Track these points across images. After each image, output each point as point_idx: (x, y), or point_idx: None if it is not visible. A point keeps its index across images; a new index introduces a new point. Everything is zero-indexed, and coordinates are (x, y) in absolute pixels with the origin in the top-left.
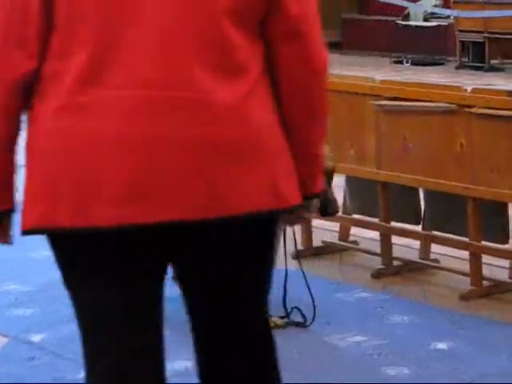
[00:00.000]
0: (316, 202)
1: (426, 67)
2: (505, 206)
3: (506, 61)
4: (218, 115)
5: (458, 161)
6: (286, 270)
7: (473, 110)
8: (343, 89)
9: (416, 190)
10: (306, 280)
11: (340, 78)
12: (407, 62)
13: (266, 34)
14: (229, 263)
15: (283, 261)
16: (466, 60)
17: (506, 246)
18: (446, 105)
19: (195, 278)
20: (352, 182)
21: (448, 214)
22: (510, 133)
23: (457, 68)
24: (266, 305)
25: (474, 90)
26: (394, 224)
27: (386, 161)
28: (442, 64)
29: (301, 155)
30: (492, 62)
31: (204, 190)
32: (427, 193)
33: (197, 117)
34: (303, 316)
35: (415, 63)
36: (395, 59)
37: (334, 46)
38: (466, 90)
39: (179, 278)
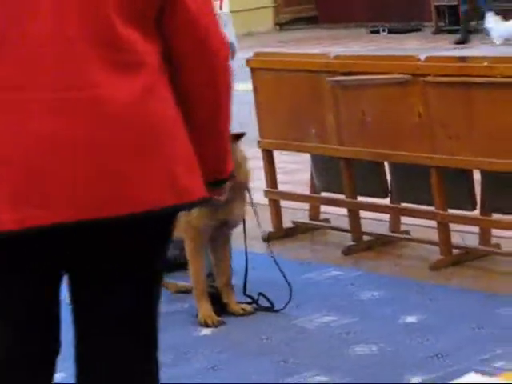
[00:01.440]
0: (227, 185)
1: (403, 35)
2: (470, 172)
3: (482, 22)
4: (114, 114)
5: (418, 131)
6: (246, 254)
7: (427, 78)
8: (299, 67)
9: (381, 164)
10: (276, 263)
11: (295, 56)
12: (384, 31)
13: (164, 30)
14: (123, 263)
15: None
16: (443, 24)
17: (473, 213)
18: (401, 75)
19: (88, 280)
20: (317, 161)
21: (414, 184)
22: (465, 99)
23: (433, 33)
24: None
25: (427, 59)
26: (362, 199)
27: (347, 137)
28: (419, 30)
29: (210, 144)
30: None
31: (100, 188)
32: (392, 165)
33: (92, 117)
34: (269, 301)
35: (392, 31)
36: (372, 29)
37: (310, 21)
38: (419, 59)
39: (74, 282)
